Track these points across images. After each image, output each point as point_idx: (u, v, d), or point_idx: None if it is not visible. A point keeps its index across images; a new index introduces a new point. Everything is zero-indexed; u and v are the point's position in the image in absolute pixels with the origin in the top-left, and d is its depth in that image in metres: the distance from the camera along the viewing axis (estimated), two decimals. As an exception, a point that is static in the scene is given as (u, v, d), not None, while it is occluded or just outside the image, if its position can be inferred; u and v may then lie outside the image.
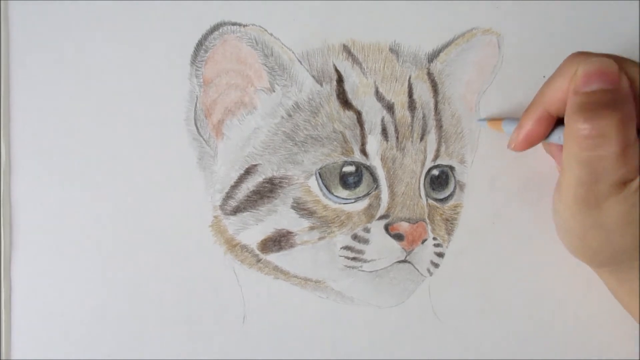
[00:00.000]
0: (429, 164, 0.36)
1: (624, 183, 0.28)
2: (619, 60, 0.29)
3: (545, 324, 0.38)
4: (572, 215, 0.30)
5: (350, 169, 0.36)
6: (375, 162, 0.36)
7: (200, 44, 0.36)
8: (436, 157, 0.36)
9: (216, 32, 0.36)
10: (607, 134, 0.27)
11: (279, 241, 0.36)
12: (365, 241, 0.36)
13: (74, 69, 0.36)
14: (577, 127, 0.27)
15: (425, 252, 0.36)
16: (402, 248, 0.36)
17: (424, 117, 0.36)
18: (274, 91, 0.36)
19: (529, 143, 0.32)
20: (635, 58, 0.36)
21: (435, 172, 0.37)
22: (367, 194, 0.36)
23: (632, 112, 0.28)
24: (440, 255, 0.37)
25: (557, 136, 0.32)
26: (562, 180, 0.30)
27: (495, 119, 0.36)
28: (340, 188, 0.36)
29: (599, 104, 0.27)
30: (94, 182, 0.36)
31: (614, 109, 0.27)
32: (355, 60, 0.36)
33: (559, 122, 0.31)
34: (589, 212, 0.29)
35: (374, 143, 0.36)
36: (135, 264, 0.36)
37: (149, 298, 0.36)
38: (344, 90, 0.36)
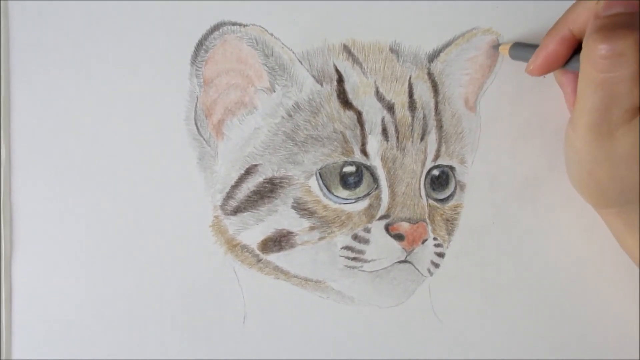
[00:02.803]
0: (429, 164, 0.36)
1: (638, 110, 0.28)
2: None
3: (546, 324, 0.38)
4: (584, 145, 0.30)
5: (350, 169, 0.36)
6: (375, 162, 0.36)
7: (200, 44, 0.36)
8: (436, 157, 0.36)
9: (216, 32, 0.36)
10: (625, 54, 0.27)
11: (279, 241, 0.36)
12: (366, 241, 0.36)
13: (74, 69, 0.36)
14: (595, 47, 0.28)
15: (425, 252, 0.36)
16: (403, 248, 0.36)
17: (424, 117, 0.36)
18: (274, 91, 0.36)
19: (548, 66, 0.32)
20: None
21: (436, 172, 0.37)
22: (368, 194, 0.36)
23: None
24: (441, 255, 0.37)
25: (575, 65, 0.32)
26: (576, 108, 0.30)
27: (506, 44, 0.36)
28: (340, 188, 0.36)
29: (618, 24, 0.28)
30: (94, 182, 0.36)
31: (633, 29, 0.27)
32: (355, 60, 0.36)
33: (578, 50, 0.31)
34: (601, 142, 0.29)
35: (374, 143, 0.36)
36: (135, 264, 0.36)
37: (150, 298, 0.36)
38: (344, 90, 0.36)
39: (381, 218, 0.36)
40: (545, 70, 0.32)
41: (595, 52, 0.28)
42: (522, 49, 0.35)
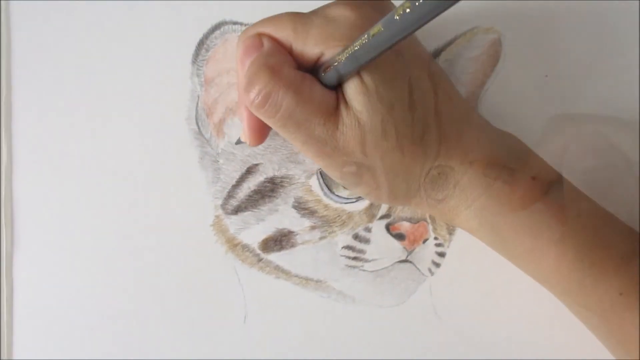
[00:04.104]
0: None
1: (336, 115, 0.28)
2: (258, 25, 0.29)
3: (546, 323, 0.38)
4: (337, 174, 0.30)
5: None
6: (376, 161, 0.36)
7: (201, 43, 0.36)
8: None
9: (217, 32, 0.36)
10: (271, 91, 0.27)
11: (280, 241, 0.36)
12: (367, 241, 0.36)
13: (75, 68, 0.36)
14: (250, 104, 0.27)
15: (426, 252, 0.36)
16: (403, 247, 0.36)
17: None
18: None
19: (258, 132, 0.31)
20: (635, 58, 0.37)
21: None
22: (368, 194, 0.36)
23: (281, 60, 0.28)
24: (442, 254, 0.37)
25: None
26: (298, 148, 0.30)
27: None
28: (341, 187, 0.36)
29: (252, 73, 0.27)
30: (95, 182, 0.36)
31: (261, 68, 0.27)
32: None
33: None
34: (337, 162, 0.29)
35: (375, 142, 0.36)
36: (136, 264, 0.36)
37: (150, 298, 0.36)
38: (345, 89, 0.36)
39: (382, 217, 0.36)
40: (259, 138, 0.31)
41: (253, 107, 0.28)
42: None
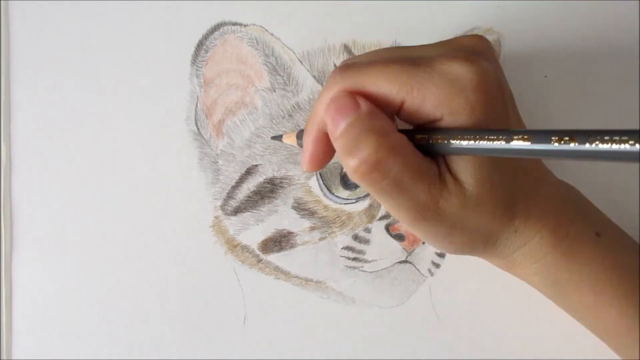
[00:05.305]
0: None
1: (440, 180, 0.27)
2: (357, 83, 0.27)
3: (546, 323, 0.38)
4: (424, 234, 0.29)
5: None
6: (376, 162, 0.36)
7: (200, 44, 0.36)
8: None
9: (217, 32, 0.36)
10: (380, 159, 0.26)
11: (279, 241, 0.36)
12: (366, 241, 0.36)
13: (74, 69, 0.36)
14: (353, 170, 0.26)
15: (426, 252, 0.36)
16: (403, 248, 0.36)
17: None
18: (275, 91, 0.36)
19: (317, 163, 0.30)
20: (636, 58, 0.37)
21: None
22: (368, 194, 0.36)
23: (385, 125, 0.27)
24: (441, 255, 0.37)
25: None
26: (389, 211, 0.29)
27: (290, 134, 0.34)
28: (340, 188, 0.36)
29: (354, 137, 0.26)
30: (94, 182, 0.36)
31: (369, 134, 0.26)
32: (356, 60, 0.36)
33: None
34: (433, 224, 0.28)
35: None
36: (135, 264, 0.36)
37: (150, 298, 0.36)
38: (344, 90, 0.36)
39: (382, 218, 0.36)
40: (318, 167, 0.30)
41: (356, 174, 0.26)
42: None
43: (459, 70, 0.26)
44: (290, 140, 0.34)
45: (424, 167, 0.27)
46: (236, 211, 0.36)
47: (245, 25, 0.36)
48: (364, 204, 0.36)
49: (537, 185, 0.30)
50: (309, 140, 0.29)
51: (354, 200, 0.36)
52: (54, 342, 0.36)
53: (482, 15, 0.37)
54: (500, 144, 0.24)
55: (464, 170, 0.27)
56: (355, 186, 0.36)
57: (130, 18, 0.36)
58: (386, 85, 0.27)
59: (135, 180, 0.36)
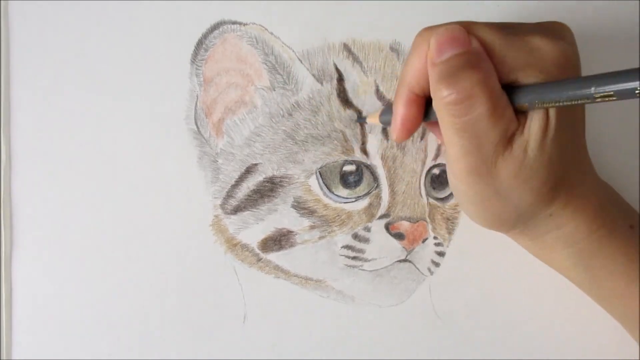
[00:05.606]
0: (429, 162, 0.36)
1: (508, 141, 0.28)
2: (466, 25, 0.29)
3: (546, 323, 0.38)
4: (469, 188, 0.30)
5: (350, 167, 0.36)
6: (375, 161, 0.36)
7: (200, 43, 0.36)
8: (437, 156, 0.36)
9: (216, 31, 0.36)
10: (473, 94, 0.27)
11: (279, 240, 0.36)
12: (366, 240, 0.36)
13: (74, 68, 0.36)
14: (442, 96, 0.27)
15: (425, 251, 0.36)
16: (403, 247, 0.36)
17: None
18: (274, 90, 0.36)
19: (408, 129, 0.31)
20: (635, 58, 0.37)
21: (436, 171, 0.37)
22: (368, 193, 0.36)
23: (490, 68, 0.27)
24: (441, 254, 0.37)
25: (434, 115, 0.30)
26: (448, 155, 0.30)
27: (373, 113, 0.35)
28: (340, 187, 0.36)
29: (457, 67, 0.27)
30: (94, 181, 0.36)
31: (472, 68, 0.27)
32: (355, 59, 0.36)
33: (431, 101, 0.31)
34: (483, 181, 0.29)
35: (374, 142, 0.36)
36: (135, 264, 0.36)
37: (150, 298, 0.36)
38: (344, 89, 0.36)
39: (381, 217, 0.36)
40: (408, 134, 0.31)
41: (444, 100, 0.27)
42: (389, 114, 0.33)
43: (540, 42, 0.28)
44: (373, 120, 0.34)
45: (505, 120, 0.28)
46: (236, 210, 0.36)
47: (244, 24, 0.36)
48: (363, 203, 0.36)
49: (582, 179, 0.31)
50: (400, 104, 0.30)
51: (353, 199, 0.36)
52: (54, 342, 0.36)
53: (482, 15, 0.37)
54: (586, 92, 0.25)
55: (535, 134, 0.28)
56: (355, 185, 0.36)
57: (129, 17, 0.36)
58: (490, 36, 0.28)
59: (134, 179, 0.36)
